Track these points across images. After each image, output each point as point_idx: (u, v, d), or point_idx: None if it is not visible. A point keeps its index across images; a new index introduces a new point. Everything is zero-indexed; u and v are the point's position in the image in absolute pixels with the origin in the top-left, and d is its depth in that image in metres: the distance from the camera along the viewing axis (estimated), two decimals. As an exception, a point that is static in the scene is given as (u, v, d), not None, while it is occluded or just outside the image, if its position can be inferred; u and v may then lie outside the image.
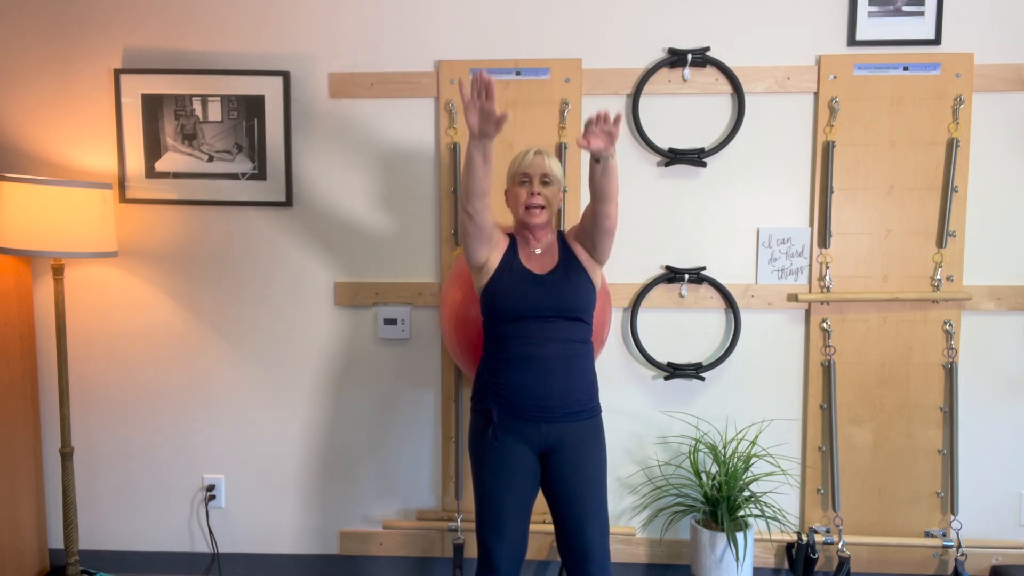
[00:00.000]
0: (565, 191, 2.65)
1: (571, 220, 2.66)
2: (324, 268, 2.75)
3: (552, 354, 2.01)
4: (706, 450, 2.68)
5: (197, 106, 2.69)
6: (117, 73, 2.68)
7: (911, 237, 2.62)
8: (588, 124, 1.86)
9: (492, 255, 2.07)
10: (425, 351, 2.76)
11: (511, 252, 2.09)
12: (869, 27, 2.58)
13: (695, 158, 2.61)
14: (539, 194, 2.04)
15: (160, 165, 2.71)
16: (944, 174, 2.59)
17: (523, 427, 2.02)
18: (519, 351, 2.01)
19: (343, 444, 2.80)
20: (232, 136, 2.69)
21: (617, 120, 1.85)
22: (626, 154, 2.66)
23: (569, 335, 2.03)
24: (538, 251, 2.10)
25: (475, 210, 1.96)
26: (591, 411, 2.07)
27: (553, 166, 2.07)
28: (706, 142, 2.65)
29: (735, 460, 2.56)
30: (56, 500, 2.86)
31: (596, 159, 1.91)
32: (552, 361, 2.01)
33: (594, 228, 2.02)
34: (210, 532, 2.85)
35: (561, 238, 2.15)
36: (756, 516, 2.57)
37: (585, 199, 2.67)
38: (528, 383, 2.00)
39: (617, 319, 2.71)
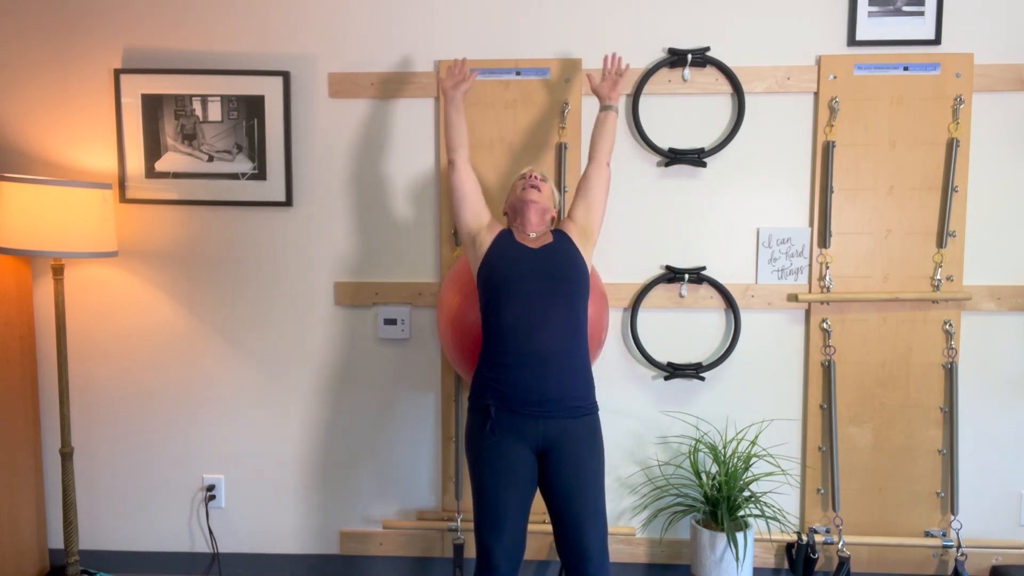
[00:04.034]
0: (565, 191, 2.65)
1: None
2: (324, 268, 2.75)
3: (549, 347, 2.02)
4: (706, 450, 2.68)
5: (197, 106, 2.69)
6: (117, 73, 2.68)
7: (911, 237, 2.62)
8: (604, 63, 2.43)
9: (483, 234, 2.19)
10: (425, 351, 2.76)
11: (505, 234, 2.19)
12: (869, 27, 2.58)
13: (695, 158, 2.61)
14: (537, 178, 2.25)
15: (160, 165, 2.71)
16: (944, 174, 2.59)
17: (521, 423, 2.03)
18: (517, 344, 2.02)
19: (343, 444, 2.81)
20: (232, 136, 2.69)
21: (625, 70, 2.43)
22: (626, 154, 2.67)
23: (565, 321, 2.04)
24: (533, 235, 2.20)
25: (458, 156, 2.27)
26: (588, 408, 2.07)
27: (549, 180, 2.30)
28: (706, 142, 2.65)
29: (735, 460, 2.56)
30: (56, 500, 2.86)
31: (603, 108, 2.36)
32: (549, 355, 2.02)
33: (596, 181, 2.28)
34: (210, 532, 2.85)
35: (555, 230, 2.26)
36: (756, 516, 2.57)
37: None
38: (526, 378, 2.01)
39: (617, 319, 2.71)
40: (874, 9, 2.57)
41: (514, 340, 2.03)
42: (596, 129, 2.36)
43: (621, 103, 2.65)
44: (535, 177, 2.25)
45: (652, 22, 2.63)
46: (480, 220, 2.22)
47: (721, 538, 2.46)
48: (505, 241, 2.15)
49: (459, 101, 2.31)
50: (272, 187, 2.71)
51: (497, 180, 2.67)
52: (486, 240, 2.16)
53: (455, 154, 2.27)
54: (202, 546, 2.87)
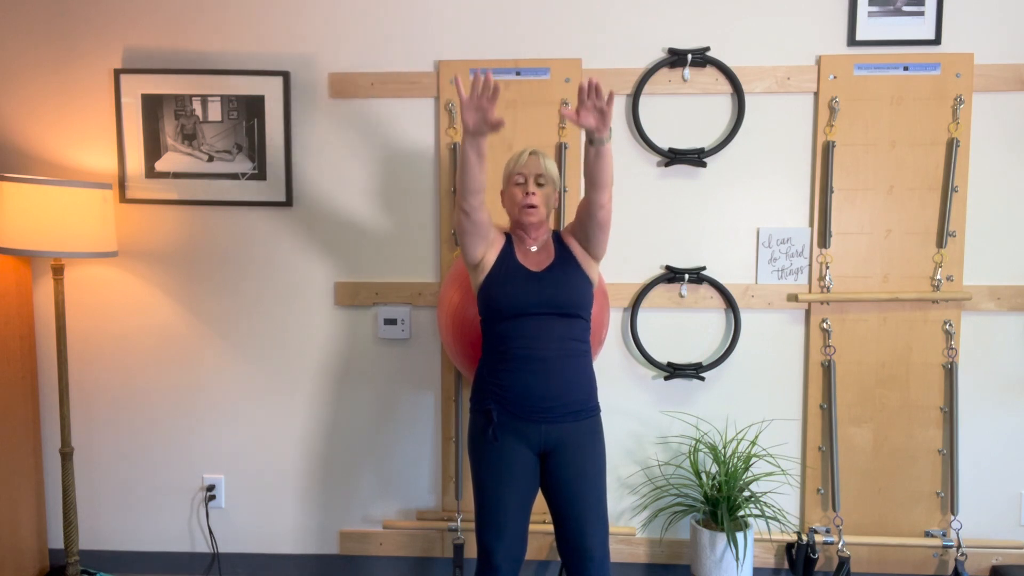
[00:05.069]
0: (564, 191, 2.65)
1: (570, 219, 2.66)
2: (324, 268, 2.75)
3: (551, 354, 2.01)
4: (706, 450, 2.68)
5: (197, 106, 2.69)
6: (117, 73, 2.68)
7: (911, 237, 2.62)
8: (580, 93, 1.85)
9: (488, 253, 2.08)
10: (425, 351, 2.76)
11: (507, 250, 2.10)
12: (869, 27, 2.58)
13: (695, 158, 2.61)
14: (534, 194, 2.06)
15: (160, 165, 2.71)
16: (944, 174, 2.59)
17: (523, 427, 2.03)
18: (518, 351, 2.02)
19: (343, 444, 2.81)
20: (232, 136, 2.69)
21: (610, 98, 1.84)
22: (626, 154, 2.67)
23: (567, 333, 2.04)
24: (534, 248, 2.11)
25: (471, 207, 2.00)
26: (590, 410, 2.07)
27: (549, 166, 2.09)
28: (706, 142, 2.65)
29: (735, 460, 2.56)
30: (56, 500, 2.86)
31: (590, 140, 1.92)
32: (551, 361, 2.01)
33: (588, 219, 2.03)
34: (210, 532, 2.85)
35: (557, 236, 2.15)
36: (756, 516, 2.57)
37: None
38: (528, 383, 2.01)
39: (617, 319, 2.71)
40: (874, 9, 2.57)
41: (515, 347, 2.03)
42: (591, 168, 1.95)
43: (620, 103, 2.65)
44: (532, 195, 2.05)
45: (652, 22, 2.63)
46: (486, 245, 2.07)
47: (721, 538, 2.46)
48: (506, 262, 2.07)
49: (482, 144, 1.92)
50: (272, 187, 2.71)
51: (498, 180, 2.67)
52: (489, 261, 2.08)
53: (467, 203, 1.98)
54: (202, 546, 2.87)
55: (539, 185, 2.08)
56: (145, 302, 2.78)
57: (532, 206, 2.06)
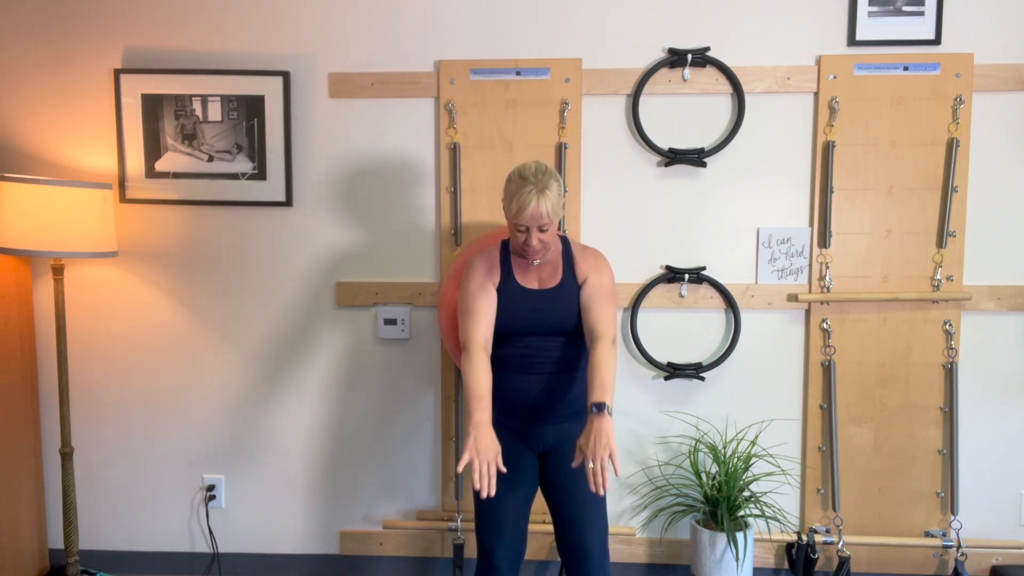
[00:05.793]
0: (565, 191, 2.65)
1: (571, 220, 2.66)
2: (324, 268, 2.75)
3: (550, 365, 2.02)
4: (706, 450, 2.68)
5: (197, 106, 2.69)
6: (117, 73, 2.68)
7: (911, 237, 2.62)
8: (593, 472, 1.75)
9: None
10: (425, 351, 2.76)
11: (506, 271, 2.05)
12: (869, 27, 2.58)
13: (695, 158, 2.61)
14: (538, 241, 1.95)
15: (160, 165, 2.71)
16: (944, 174, 2.59)
17: (522, 427, 2.03)
18: (518, 362, 2.02)
19: (343, 444, 2.80)
20: (232, 136, 2.69)
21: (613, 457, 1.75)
22: (626, 154, 2.66)
23: (569, 344, 2.04)
24: (536, 262, 2.06)
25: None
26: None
27: (551, 206, 1.91)
28: (706, 142, 2.65)
29: (735, 460, 2.56)
30: (56, 500, 2.86)
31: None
32: (551, 365, 2.02)
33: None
34: (210, 532, 2.85)
35: (567, 250, 2.08)
36: (756, 516, 2.57)
37: (586, 199, 2.67)
38: (528, 389, 2.01)
39: (617, 319, 2.70)
40: (874, 9, 2.57)
41: (514, 359, 2.03)
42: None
43: (620, 103, 2.65)
44: (536, 242, 1.95)
45: (652, 22, 2.63)
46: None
47: (721, 538, 2.46)
48: (507, 286, 2.03)
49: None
50: (272, 187, 2.71)
51: (497, 180, 2.67)
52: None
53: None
54: (202, 546, 2.86)
55: (542, 231, 1.94)
56: (145, 302, 2.78)
57: (536, 251, 1.98)
